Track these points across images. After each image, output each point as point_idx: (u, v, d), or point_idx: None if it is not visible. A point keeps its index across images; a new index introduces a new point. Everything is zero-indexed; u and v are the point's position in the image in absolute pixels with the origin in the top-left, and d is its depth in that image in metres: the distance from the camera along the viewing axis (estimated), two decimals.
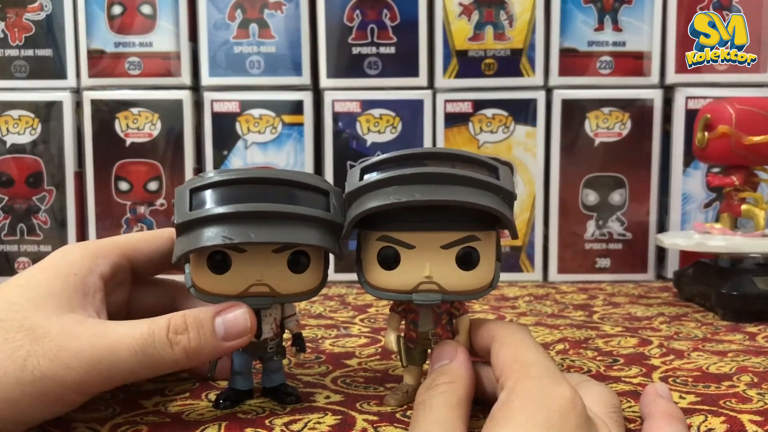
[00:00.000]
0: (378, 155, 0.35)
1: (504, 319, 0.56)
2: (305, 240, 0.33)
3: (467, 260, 0.33)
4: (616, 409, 0.32)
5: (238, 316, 0.33)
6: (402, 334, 0.36)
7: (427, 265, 0.33)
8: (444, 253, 0.33)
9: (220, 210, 0.32)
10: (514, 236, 0.35)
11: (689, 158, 0.74)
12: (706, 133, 0.61)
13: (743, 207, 0.60)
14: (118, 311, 0.37)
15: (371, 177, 0.33)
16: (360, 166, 0.34)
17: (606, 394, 0.32)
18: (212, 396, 0.37)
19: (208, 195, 0.33)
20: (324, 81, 0.76)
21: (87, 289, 0.34)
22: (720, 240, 0.60)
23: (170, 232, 0.38)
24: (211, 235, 0.32)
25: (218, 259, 0.33)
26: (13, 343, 0.30)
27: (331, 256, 0.35)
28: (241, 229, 0.32)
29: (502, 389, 0.30)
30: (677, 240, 0.62)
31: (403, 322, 0.36)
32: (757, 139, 0.58)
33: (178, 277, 0.44)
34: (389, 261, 0.33)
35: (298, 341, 0.37)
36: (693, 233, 0.64)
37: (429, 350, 0.36)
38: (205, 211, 0.32)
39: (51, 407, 0.31)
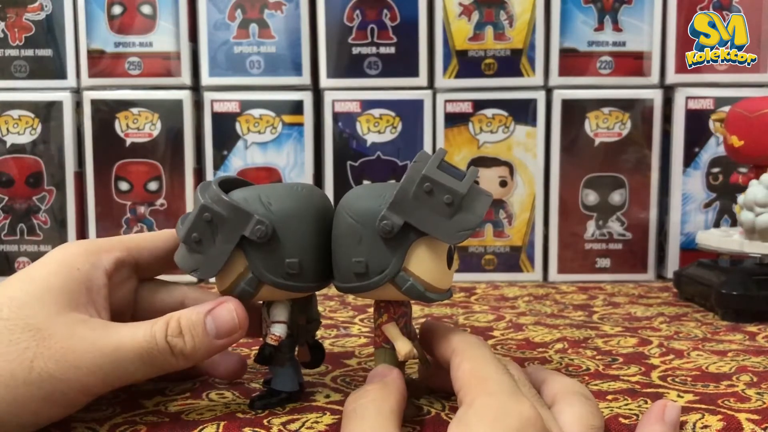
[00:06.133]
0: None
1: (504, 319, 0.56)
2: None
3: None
4: (595, 430, 0.30)
5: (224, 313, 0.33)
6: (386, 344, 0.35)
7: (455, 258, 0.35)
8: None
9: None
10: None
11: (689, 158, 0.74)
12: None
13: None
14: (123, 311, 0.37)
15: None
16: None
17: (585, 415, 0.31)
18: (213, 395, 0.37)
19: None
20: (324, 81, 0.76)
21: (90, 284, 0.33)
22: None
23: (172, 232, 0.38)
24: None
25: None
26: (19, 345, 0.30)
27: None
28: None
29: (461, 405, 0.29)
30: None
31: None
32: (730, 140, 0.59)
33: (180, 278, 0.44)
34: (451, 258, 0.34)
35: (262, 353, 0.34)
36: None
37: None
38: None
39: (56, 408, 0.31)
